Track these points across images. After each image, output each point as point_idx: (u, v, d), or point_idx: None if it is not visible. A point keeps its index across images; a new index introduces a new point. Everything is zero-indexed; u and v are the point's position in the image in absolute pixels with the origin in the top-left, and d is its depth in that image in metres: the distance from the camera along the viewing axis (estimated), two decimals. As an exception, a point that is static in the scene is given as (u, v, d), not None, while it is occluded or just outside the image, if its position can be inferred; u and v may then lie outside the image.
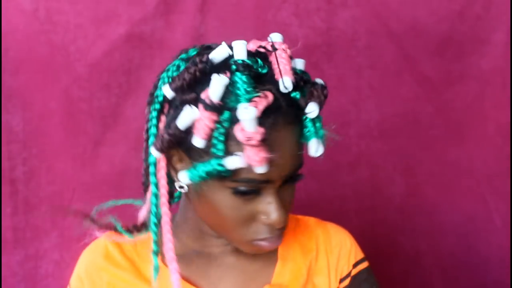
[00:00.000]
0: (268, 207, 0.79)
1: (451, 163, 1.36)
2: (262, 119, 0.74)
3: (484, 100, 1.35)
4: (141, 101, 1.26)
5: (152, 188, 0.83)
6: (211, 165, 0.75)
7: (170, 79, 0.81)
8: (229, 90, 0.75)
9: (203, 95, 0.75)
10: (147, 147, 0.85)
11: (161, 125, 0.82)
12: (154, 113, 0.82)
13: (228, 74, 0.76)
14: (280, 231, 0.82)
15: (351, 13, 1.32)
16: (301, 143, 0.80)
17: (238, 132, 0.73)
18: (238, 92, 0.75)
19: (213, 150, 0.75)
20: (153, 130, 0.82)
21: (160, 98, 0.81)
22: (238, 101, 0.74)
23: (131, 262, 0.90)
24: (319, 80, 0.82)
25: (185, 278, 0.89)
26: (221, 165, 0.75)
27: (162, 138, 0.79)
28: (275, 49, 0.80)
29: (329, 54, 1.33)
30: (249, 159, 0.74)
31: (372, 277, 0.94)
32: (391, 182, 1.37)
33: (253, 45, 0.82)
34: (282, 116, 0.76)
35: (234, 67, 0.76)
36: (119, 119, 1.29)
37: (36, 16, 1.27)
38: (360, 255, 0.94)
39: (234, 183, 0.77)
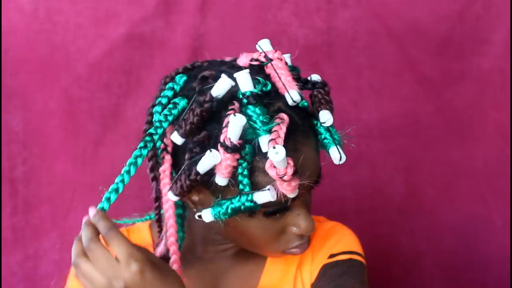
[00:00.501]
0: (297, 219, 0.79)
1: (451, 163, 1.36)
2: (285, 146, 0.71)
3: (484, 100, 1.35)
4: (141, 101, 1.27)
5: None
6: (240, 201, 0.73)
7: (167, 118, 0.77)
8: (246, 125, 0.72)
9: (221, 138, 0.71)
10: (157, 187, 0.82)
11: (167, 163, 0.80)
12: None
13: (237, 105, 0.73)
14: (309, 236, 0.83)
15: (351, 13, 1.32)
16: (319, 151, 0.79)
17: (269, 170, 0.71)
18: (255, 125, 0.72)
19: (240, 187, 0.73)
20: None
21: (157, 136, 0.78)
22: (257, 134, 0.72)
23: None
24: (316, 77, 0.81)
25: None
26: (251, 201, 0.73)
27: (182, 184, 0.76)
28: (270, 60, 0.77)
29: (329, 54, 1.33)
30: (282, 189, 0.72)
31: (350, 268, 0.89)
32: (391, 182, 1.36)
33: (245, 59, 0.79)
34: (300, 134, 0.75)
35: (245, 100, 0.73)
36: (119, 119, 1.29)
37: (36, 16, 1.27)
38: (344, 248, 0.91)
39: (265, 208, 0.75)
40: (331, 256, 0.90)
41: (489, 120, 1.35)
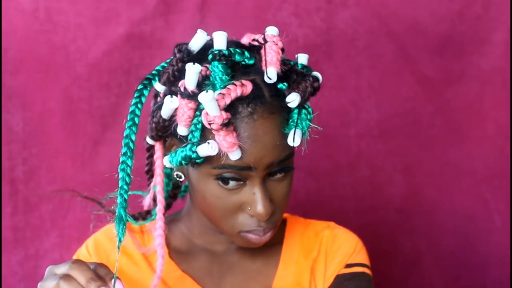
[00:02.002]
0: (253, 198, 0.80)
1: (451, 163, 1.36)
2: (239, 107, 0.76)
3: (484, 100, 1.35)
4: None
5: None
6: (186, 150, 0.77)
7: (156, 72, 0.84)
8: (208, 80, 0.77)
9: (179, 84, 0.77)
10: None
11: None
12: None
13: (207, 64, 0.78)
14: (268, 225, 0.82)
15: (351, 13, 1.32)
16: (285, 135, 0.79)
17: (203, 116, 0.74)
18: (215, 81, 0.76)
19: (190, 136, 0.77)
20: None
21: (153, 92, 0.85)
22: (214, 89, 0.75)
23: (138, 250, 0.91)
24: (315, 73, 0.82)
25: (189, 275, 0.90)
26: (194, 151, 0.76)
27: (150, 127, 0.83)
28: (266, 42, 0.81)
29: (329, 54, 1.33)
30: (220, 144, 0.75)
31: (363, 283, 0.90)
32: (391, 182, 1.37)
33: (247, 39, 0.83)
34: (262, 105, 0.77)
35: (210, 56, 0.77)
36: (119, 118, 1.29)
37: (36, 16, 1.27)
38: (360, 260, 0.92)
39: (216, 170, 0.78)
40: (348, 266, 0.91)
41: (488, 120, 1.35)
